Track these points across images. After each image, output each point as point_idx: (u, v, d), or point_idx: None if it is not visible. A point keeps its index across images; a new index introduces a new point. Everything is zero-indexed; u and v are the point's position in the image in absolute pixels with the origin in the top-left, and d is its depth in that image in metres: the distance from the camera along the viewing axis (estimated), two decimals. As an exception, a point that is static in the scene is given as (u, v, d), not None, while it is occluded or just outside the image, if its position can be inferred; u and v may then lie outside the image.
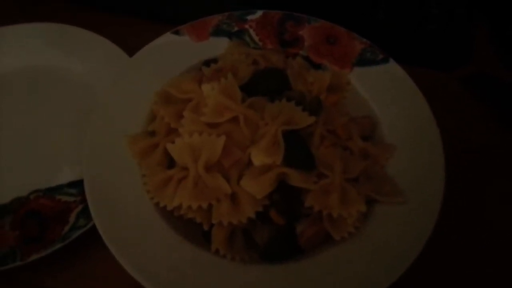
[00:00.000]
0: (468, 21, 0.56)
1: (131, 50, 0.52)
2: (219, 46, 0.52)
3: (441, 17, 0.56)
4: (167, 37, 0.52)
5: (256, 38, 0.52)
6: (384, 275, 0.37)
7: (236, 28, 0.53)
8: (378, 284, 0.37)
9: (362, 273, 0.38)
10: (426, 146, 0.44)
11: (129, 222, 0.40)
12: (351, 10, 0.56)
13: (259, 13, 0.53)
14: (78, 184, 0.47)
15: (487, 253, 0.46)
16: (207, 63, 0.49)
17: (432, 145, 0.44)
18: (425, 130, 0.45)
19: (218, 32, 0.52)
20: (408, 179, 0.43)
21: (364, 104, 0.48)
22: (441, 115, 0.46)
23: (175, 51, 0.51)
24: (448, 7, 0.56)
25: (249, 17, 0.53)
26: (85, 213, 0.44)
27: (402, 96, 0.47)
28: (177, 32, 0.52)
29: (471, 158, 0.50)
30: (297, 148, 0.41)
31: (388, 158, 0.44)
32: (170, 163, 0.44)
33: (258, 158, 0.41)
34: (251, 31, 0.53)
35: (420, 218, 0.40)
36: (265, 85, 0.46)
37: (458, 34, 0.57)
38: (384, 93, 0.48)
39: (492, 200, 0.49)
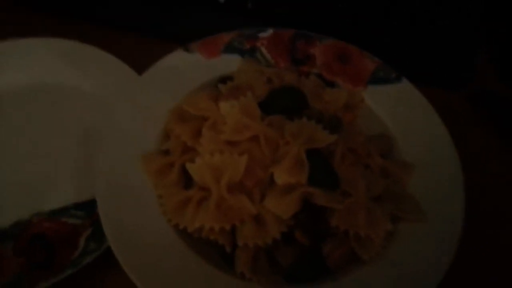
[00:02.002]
0: (472, 41, 0.58)
1: (140, 68, 0.51)
2: (231, 63, 0.51)
3: (447, 37, 0.57)
4: (178, 54, 0.50)
5: (268, 56, 0.52)
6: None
7: (247, 46, 0.52)
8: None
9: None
10: (443, 165, 0.44)
11: (147, 246, 0.38)
12: (360, 32, 0.56)
13: (270, 31, 0.53)
14: (85, 206, 0.45)
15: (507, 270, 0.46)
16: (222, 80, 0.48)
17: (450, 163, 0.44)
18: (441, 148, 0.45)
19: (229, 49, 0.52)
20: (428, 197, 0.43)
21: (378, 122, 0.48)
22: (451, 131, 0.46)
23: (186, 68, 0.50)
24: (453, 29, 0.57)
25: (260, 35, 0.53)
26: (95, 236, 0.42)
27: (417, 115, 0.48)
28: (187, 49, 0.51)
29: (484, 177, 0.51)
30: (320, 167, 0.41)
31: (408, 177, 0.44)
32: (187, 182, 0.42)
33: (282, 177, 0.40)
34: (263, 49, 0.52)
35: (444, 237, 0.40)
36: (283, 103, 0.45)
37: (462, 54, 0.58)
38: (399, 112, 0.48)
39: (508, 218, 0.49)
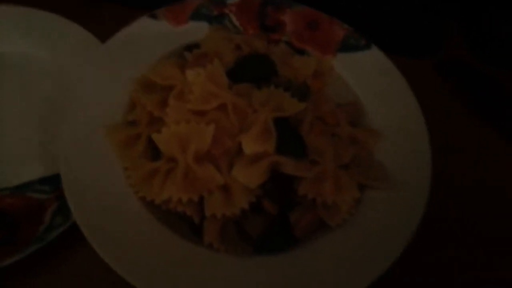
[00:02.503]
0: (438, 11, 0.58)
1: (103, 35, 0.49)
2: (199, 31, 0.49)
3: (414, 7, 0.57)
4: (143, 21, 0.49)
5: (236, 23, 0.51)
6: (379, 260, 0.37)
7: (215, 12, 0.50)
8: (374, 269, 0.37)
9: (358, 259, 0.38)
10: (411, 132, 0.45)
11: (114, 218, 0.38)
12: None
13: (238, -4, 0.52)
14: (51, 180, 0.44)
15: (473, 241, 0.47)
16: (189, 48, 0.46)
17: (417, 131, 0.45)
18: (409, 116, 0.46)
19: (197, 16, 0.50)
20: (395, 165, 0.43)
21: (347, 90, 0.48)
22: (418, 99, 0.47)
23: (152, 35, 0.48)
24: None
25: (229, 1, 0.51)
26: (62, 211, 0.41)
27: (386, 82, 0.48)
28: (154, 16, 0.49)
29: (450, 143, 0.51)
30: (288, 136, 0.40)
31: (375, 144, 0.44)
32: (154, 154, 0.41)
33: (250, 146, 0.39)
34: (232, 16, 0.51)
35: (410, 203, 0.41)
36: (251, 71, 0.45)
37: (429, 23, 0.58)
38: (367, 79, 0.48)
39: (472, 188, 0.50)
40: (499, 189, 0.50)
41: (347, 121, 0.45)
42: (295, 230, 0.40)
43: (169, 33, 0.49)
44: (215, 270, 0.37)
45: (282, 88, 0.43)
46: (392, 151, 0.44)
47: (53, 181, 0.44)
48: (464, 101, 0.55)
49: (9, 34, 0.52)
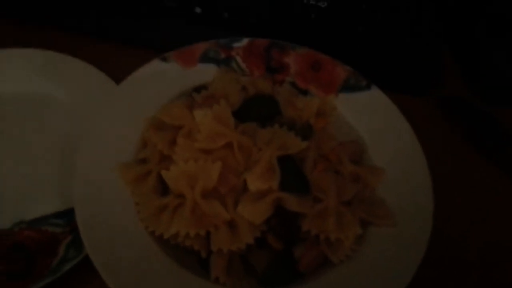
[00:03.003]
0: (436, 49, 0.60)
1: (117, 76, 0.52)
2: (207, 73, 0.52)
3: (412, 45, 0.59)
4: (155, 64, 0.52)
5: (243, 65, 0.53)
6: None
7: (223, 55, 0.53)
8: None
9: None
10: (412, 170, 0.46)
11: (125, 253, 0.39)
12: (331, 40, 0.58)
13: (244, 40, 0.54)
14: (65, 214, 0.46)
15: (478, 268, 0.48)
16: (197, 89, 0.49)
17: (418, 168, 0.46)
18: (410, 154, 0.47)
19: (205, 59, 0.53)
20: (397, 201, 0.44)
21: (349, 129, 0.50)
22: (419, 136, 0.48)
23: (163, 77, 0.51)
24: (418, 37, 0.60)
25: (235, 45, 0.54)
26: (75, 244, 0.43)
27: (386, 120, 0.50)
28: (164, 59, 0.52)
29: (451, 179, 0.53)
30: (291, 173, 0.42)
31: (378, 181, 0.46)
32: (164, 190, 0.43)
33: (254, 184, 0.41)
34: (238, 58, 0.54)
35: (413, 239, 0.41)
36: (256, 111, 0.47)
37: (427, 61, 0.60)
38: (368, 118, 0.50)
39: (472, 216, 0.51)
40: (498, 224, 0.51)
41: (349, 158, 0.47)
42: (299, 265, 0.41)
43: (179, 75, 0.52)
44: (221, 304, 0.38)
45: (286, 127, 0.45)
46: (394, 188, 0.45)
47: (67, 216, 0.45)
48: (463, 137, 0.57)
49: (30, 76, 0.55)
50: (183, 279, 0.39)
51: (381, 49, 0.59)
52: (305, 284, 0.40)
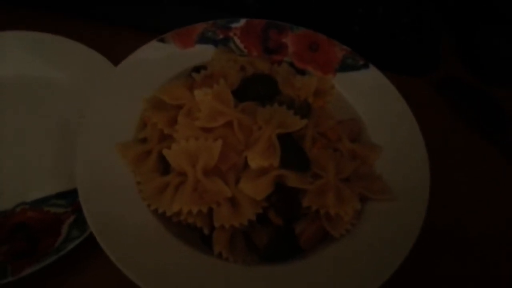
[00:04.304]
0: (435, 30, 0.60)
1: (115, 59, 0.52)
2: (205, 53, 0.52)
3: (411, 27, 0.60)
4: (153, 45, 0.52)
5: (241, 46, 0.54)
6: (382, 268, 0.39)
7: (221, 36, 0.53)
8: (378, 277, 0.39)
9: (362, 268, 0.40)
10: (409, 146, 0.47)
11: (128, 230, 0.40)
12: (329, 21, 0.58)
13: (242, 21, 0.55)
14: (67, 195, 0.46)
15: (473, 247, 0.49)
16: (196, 69, 0.49)
17: (415, 145, 0.47)
18: (407, 131, 0.48)
19: (203, 39, 0.53)
20: (395, 178, 0.45)
21: (348, 107, 0.51)
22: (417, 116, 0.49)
23: (161, 58, 0.51)
24: (417, 18, 0.60)
25: (233, 25, 0.54)
26: (78, 224, 0.43)
27: (384, 99, 0.50)
28: (162, 40, 0.52)
29: (446, 157, 0.53)
30: (291, 151, 0.43)
31: (376, 158, 0.46)
32: (165, 169, 0.44)
33: (255, 161, 0.42)
34: (236, 39, 0.54)
35: (409, 213, 0.42)
36: (255, 90, 0.47)
37: (427, 42, 0.60)
38: (366, 97, 0.51)
39: (469, 199, 0.52)
40: (497, 204, 0.52)
41: (347, 136, 0.47)
42: (300, 241, 0.41)
43: (177, 56, 0.52)
44: (224, 278, 0.38)
45: (285, 106, 0.45)
46: (392, 164, 0.46)
47: (69, 196, 0.46)
48: (460, 117, 0.58)
49: (25, 58, 0.55)
50: (187, 255, 0.39)
51: (380, 30, 0.59)
52: (306, 259, 0.41)
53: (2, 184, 0.47)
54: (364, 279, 0.39)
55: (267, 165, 0.41)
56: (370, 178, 0.45)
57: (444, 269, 0.47)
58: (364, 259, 0.40)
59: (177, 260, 0.39)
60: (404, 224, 0.42)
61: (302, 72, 0.53)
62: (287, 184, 0.41)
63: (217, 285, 0.38)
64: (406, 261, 0.39)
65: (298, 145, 0.44)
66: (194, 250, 0.40)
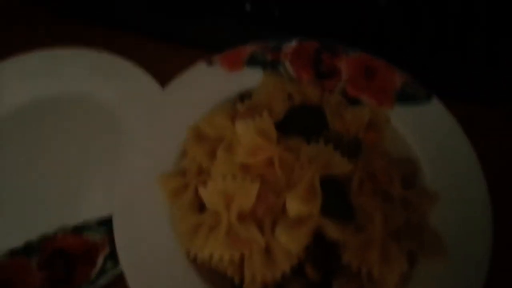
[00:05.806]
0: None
1: (163, 77, 0.51)
2: (253, 76, 0.49)
3: (486, 49, 0.53)
4: (200, 67, 0.50)
5: (290, 70, 0.50)
6: None
7: (270, 58, 0.50)
8: None
9: None
10: (471, 196, 0.42)
11: (158, 272, 0.39)
12: (388, 41, 0.53)
13: (294, 42, 0.51)
14: (106, 222, 0.46)
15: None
16: (241, 98, 0.47)
17: (478, 196, 0.41)
18: (470, 179, 0.42)
19: (252, 62, 0.50)
20: (452, 233, 0.40)
21: (403, 145, 0.46)
22: (484, 153, 0.43)
23: (208, 82, 0.49)
24: (493, 40, 0.53)
25: (284, 47, 0.51)
26: (113, 256, 0.43)
27: (446, 139, 0.45)
28: (209, 62, 0.50)
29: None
30: (334, 196, 0.39)
31: (430, 207, 0.42)
32: (202, 204, 0.42)
33: (294, 206, 0.39)
34: (286, 62, 0.50)
35: (467, 279, 0.38)
36: (301, 123, 0.44)
37: (503, 67, 0.53)
38: (426, 135, 0.45)
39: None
40: None
41: (400, 178, 0.43)
42: (338, 299, 0.38)
43: (224, 79, 0.49)
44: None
45: (332, 143, 0.42)
46: (449, 216, 0.41)
47: (108, 224, 0.46)
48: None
49: (75, 75, 0.56)
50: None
51: (448, 52, 0.53)
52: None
53: (45, 207, 0.48)
54: None
55: (306, 212, 0.38)
56: (422, 230, 0.41)
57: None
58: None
59: (206, 308, 0.38)
60: None
61: (355, 101, 0.48)
62: (327, 234, 0.38)
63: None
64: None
65: (342, 190, 0.40)
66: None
